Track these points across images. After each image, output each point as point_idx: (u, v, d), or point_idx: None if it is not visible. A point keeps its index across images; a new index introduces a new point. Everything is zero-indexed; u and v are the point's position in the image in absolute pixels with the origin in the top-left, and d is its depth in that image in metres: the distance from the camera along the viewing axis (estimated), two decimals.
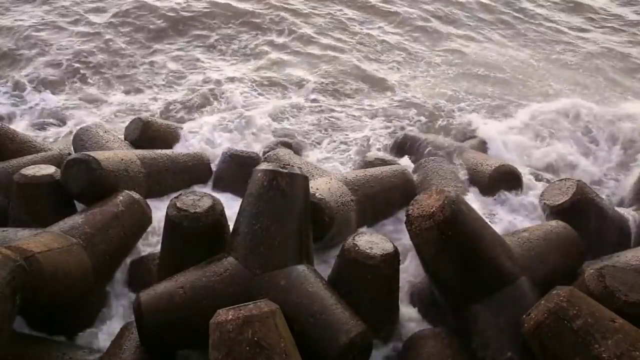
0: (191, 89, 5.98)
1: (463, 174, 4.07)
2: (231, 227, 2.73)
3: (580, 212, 3.14)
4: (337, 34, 7.37)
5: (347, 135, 5.30)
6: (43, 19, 7.24)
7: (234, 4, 7.67)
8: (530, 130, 5.24)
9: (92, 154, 3.17)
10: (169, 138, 4.38)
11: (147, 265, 3.04)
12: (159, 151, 3.76)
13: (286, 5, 7.78)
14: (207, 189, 3.85)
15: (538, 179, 4.22)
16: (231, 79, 6.16)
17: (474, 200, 3.65)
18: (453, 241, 2.44)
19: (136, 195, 3.10)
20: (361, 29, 7.57)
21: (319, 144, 5.16)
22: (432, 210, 2.46)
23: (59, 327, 2.74)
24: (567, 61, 7.37)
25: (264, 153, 4.30)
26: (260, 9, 7.64)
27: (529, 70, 6.96)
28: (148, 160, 3.55)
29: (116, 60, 6.54)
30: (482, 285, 2.49)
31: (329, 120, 5.57)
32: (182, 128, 4.71)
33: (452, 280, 2.53)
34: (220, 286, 2.42)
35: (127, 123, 4.50)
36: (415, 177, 3.91)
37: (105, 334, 2.82)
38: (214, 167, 4.10)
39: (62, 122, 5.42)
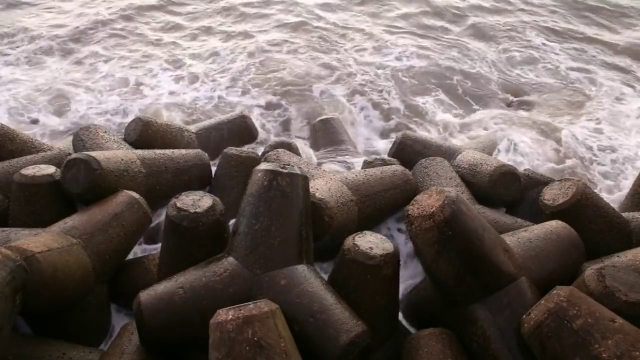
0: None
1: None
2: (231, 227, 2.73)
3: (580, 212, 3.14)
4: None
5: None
6: None
7: None
8: None
9: (92, 154, 3.17)
10: (169, 138, 4.37)
11: (146, 265, 3.05)
12: (159, 151, 3.76)
13: None
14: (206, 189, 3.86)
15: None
16: None
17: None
18: (453, 241, 2.44)
19: (136, 195, 3.09)
20: None
21: None
22: (432, 210, 2.46)
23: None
24: None
25: (264, 153, 4.30)
26: None
27: None
28: (148, 160, 3.54)
29: None
30: (482, 285, 2.49)
31: None
32: (186, 129, 4.69)
33: (451, 280, 2.52)
34: (220, 286, 2.42)
35: None
36: (415, 177, 3.90)
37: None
38: (213, 167, 4.10)
39: None
